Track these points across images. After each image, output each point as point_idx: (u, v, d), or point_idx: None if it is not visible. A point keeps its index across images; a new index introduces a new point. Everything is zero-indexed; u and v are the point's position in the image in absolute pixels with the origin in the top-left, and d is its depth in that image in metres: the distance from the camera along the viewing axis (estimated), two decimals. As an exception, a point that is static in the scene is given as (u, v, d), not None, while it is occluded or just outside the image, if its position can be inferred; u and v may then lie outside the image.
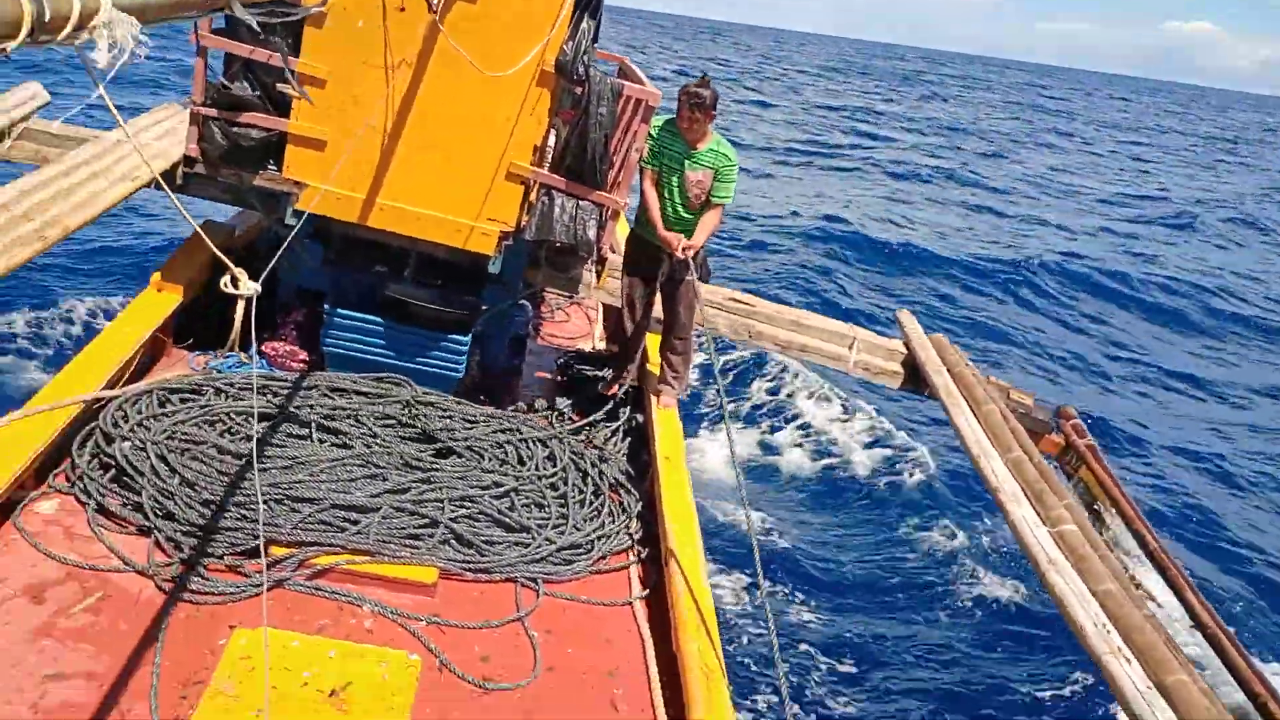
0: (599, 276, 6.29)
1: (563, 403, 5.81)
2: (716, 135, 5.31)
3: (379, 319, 5.28)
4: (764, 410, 10.53)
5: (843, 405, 10.79)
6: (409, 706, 3.43)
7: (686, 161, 5.25)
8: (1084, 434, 6.28)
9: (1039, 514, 4.86)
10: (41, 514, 3.97)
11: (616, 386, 5.87)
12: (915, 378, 6.55)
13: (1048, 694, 7.01)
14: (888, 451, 10.04)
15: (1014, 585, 8.13)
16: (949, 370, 6.39)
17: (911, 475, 9.64)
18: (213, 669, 3.38)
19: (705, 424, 9.81)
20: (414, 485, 4.47)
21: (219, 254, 3.02)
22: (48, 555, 3.73)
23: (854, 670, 6.89)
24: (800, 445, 9.97)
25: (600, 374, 6.27)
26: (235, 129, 5.00)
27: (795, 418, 10.44)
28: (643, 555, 4.72)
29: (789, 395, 10.81)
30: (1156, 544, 5.21)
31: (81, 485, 4.10)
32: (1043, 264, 18.62)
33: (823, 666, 6.88)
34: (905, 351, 6.66)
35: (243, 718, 3.19)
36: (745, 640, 6.93)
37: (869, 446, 10.06)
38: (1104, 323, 16.68)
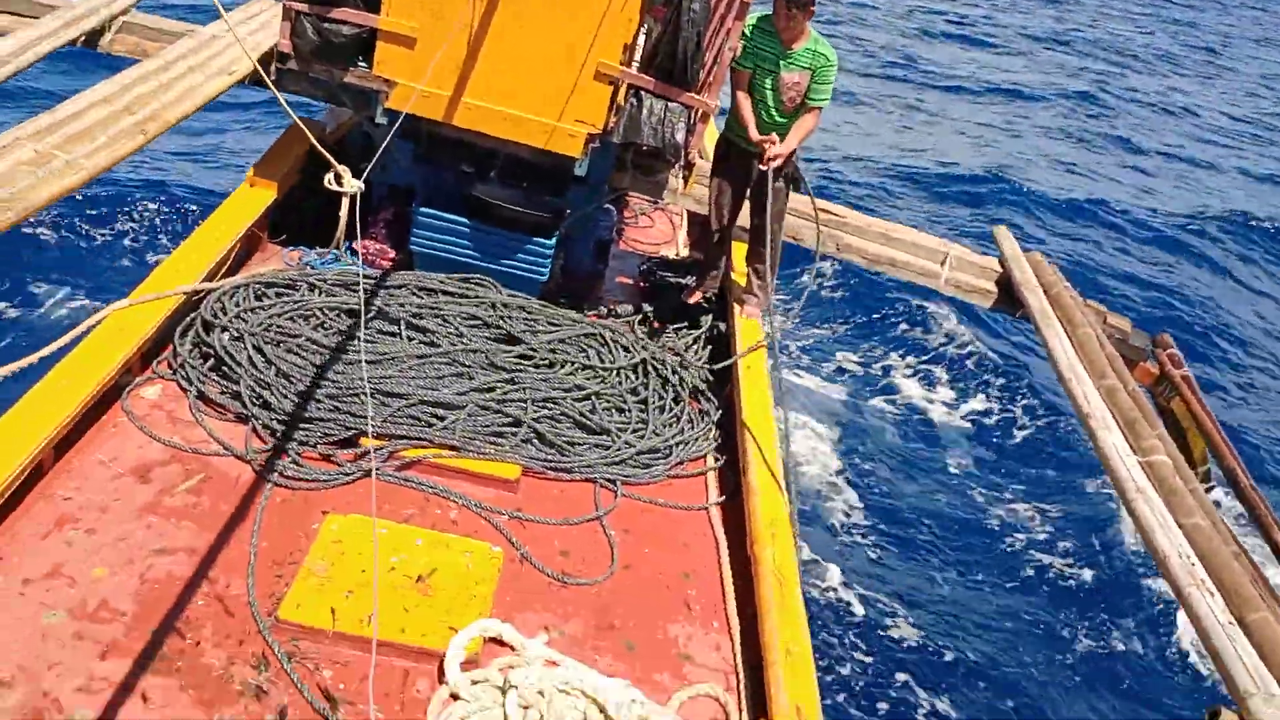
0: (686, 181, 6.19)
1: (645, 308, 5.80)
2: (814, 34, 5.10)
3: (465, 220, 5.31)
4: (856, 331, 10.33)
5: (939, 332, 10.50)
6: (491, 595, 3.56)
7: (782, 62, 5.06)
8: (1180, 364, 6.03)
9: (1129, 443, 4.71)
10: (146, 398, 4.17)
11: (700, 294, 5.83)
12: (1009, 297, 6.34)
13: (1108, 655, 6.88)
14: (978, 381, 9.79)
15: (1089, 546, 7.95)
16: (1045, 290, 6.16)
17: (997, 405, 9.42)
18: (306, 550, 3.55)
19: (796, 338, 9.71)
20: (499, 385, 4.55)
21: (322, 151, 3.04)
22: (153, 438, 3.93)
23: (917, 598, 6.90)
24: (892, 372, 9.78)
25: (683, 281, 6.23)
26: (326, 24, 4.99)
27: (888, 342, 10.23)
28: (720, 462, 4.75)
29: (881, 318, 10.58)
30: (1247, 480, 5.01)
31: (183, 372, 4.28)
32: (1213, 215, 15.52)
33: (887, 589, 6.90)
34: (1000, 270, 6.44)
35: (334, 596, 3.35)
36: (821, 554, 6.98)
37: (960, 377, 9.80)
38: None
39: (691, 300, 5.79)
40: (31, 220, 4.54)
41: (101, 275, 7.87)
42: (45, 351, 3.50)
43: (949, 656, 6.47)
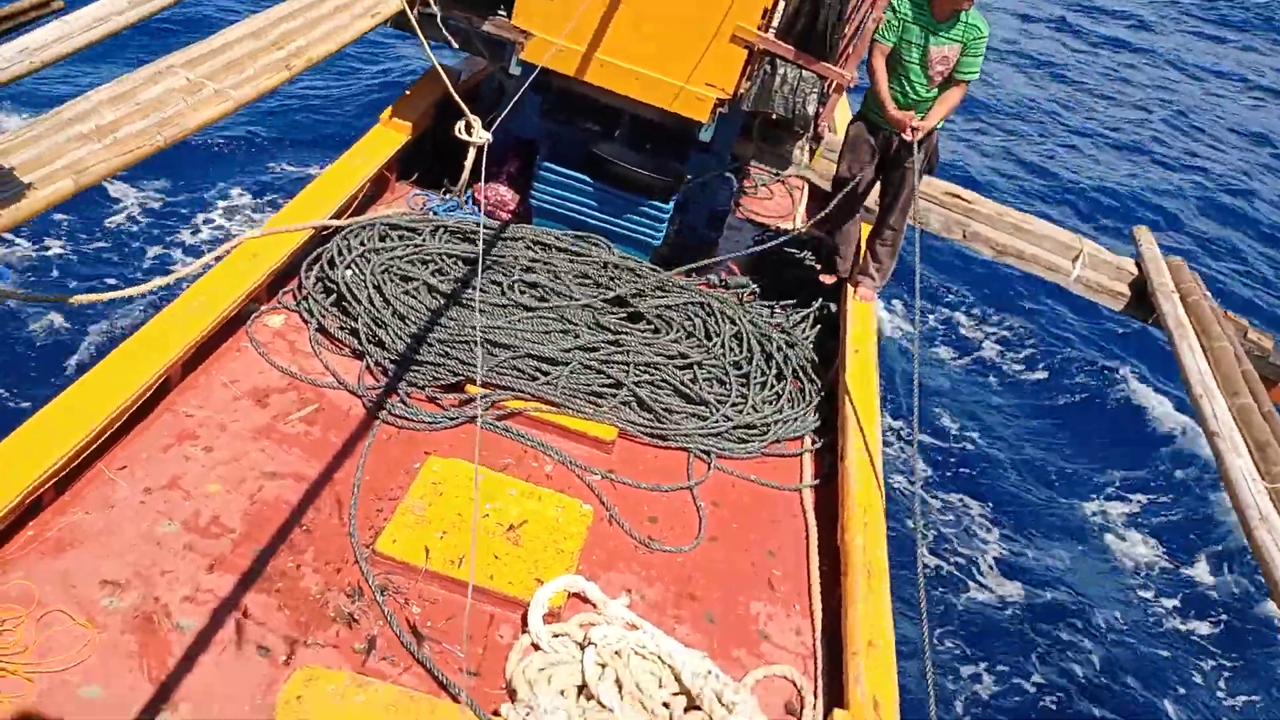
0: (812, 155, 6.06)
1: (755, 282, 5.73)
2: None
3: (586, 177, 5.33)
4: (974, 321, 10.00)
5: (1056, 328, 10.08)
6: (577, 551, 3.61)
7: (932, 36, 4.83)
8: None
9: (1259, 468, 4.43)
10: (270, 326, 4.35)
11: (833, 276, 5.67)
12: (1141, 302, 6.00)
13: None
14: (1097, 385, 9.36)
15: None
16: (1182, 297, 5.81)
17: (1118, 412, 8.99)
18: (406, 488, 3.67)
19: (906, 321, 9.46)
20: (603, 345, 4.58)
21: (458, 99, 3.08)
22: (272, 365, 4.11)
23: (1011, 604, 6.70)
24: (1002, 360, 9.45)
25: (799, 256, 6.12)
26: (469, -29, 5.03)
27: (1005, 333, 9.86)
28: (818, 445, 4.69)
29: (1001, 309, 10.20)
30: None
31: (306, 305, 4.45)
32: None
33: (982, 591, 6.73)
34: (1135, 272, 6.10)
35: (428, 535, 3.46)
36: (915, 548, 6.85)
37: (1076, 380, 9.39)
38: None
39: (827, 281, 5.66)
40: (180, 144, 4.75)
41: (239, 200, 8.22)
42: (183, 272, 3.69)
43: (1035, 664, 6.29)
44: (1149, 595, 7.13)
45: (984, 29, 4.85)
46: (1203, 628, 6.96)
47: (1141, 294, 6.01)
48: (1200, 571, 7.46)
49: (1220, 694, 6.51)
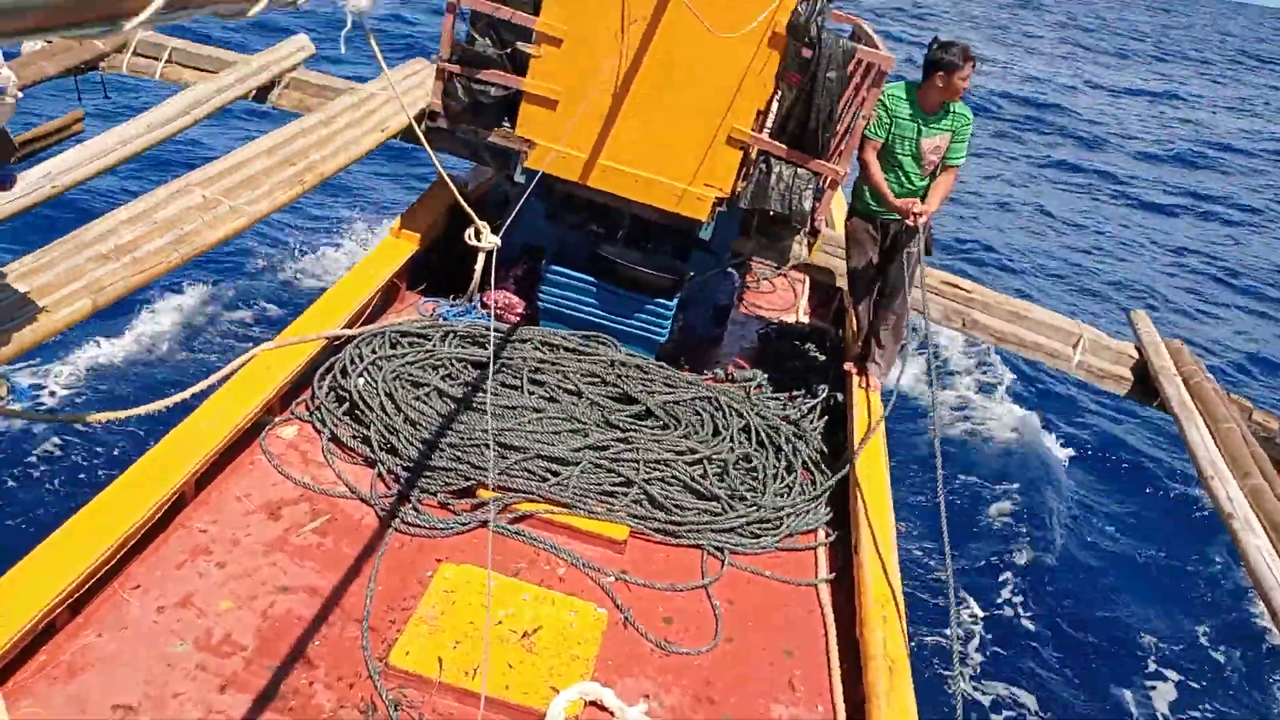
0: (810, 249, 6.18)
1: (761, 375, 5.78)
2: None
3: (591, 278, 5.43)
4: (974, 406, 10.00)
5: (1062, 415, 10.07)
6: (593, 657, 3.57)
7: (923, 128, 5.04)
8: None
9: (1276, 548, 4.39)
10: (284, 438, 4.39)
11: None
12: (1144, 386, 6.04)
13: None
14: (1110, 472, 9.30)
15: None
16: (1184, 380, 5.84)
17: (1129, 498, 8.91)
18: (419, 597, 3.65)
19: (911, 411, 9.46)
20: (613, 443, 4.60)
21: (466, 207, 3.17)
22: (285, 477, 4.13)
23: (1032, 701, 6.53)
24: (1013, 444, 9.41)
25: (803, 348, 6.18)
26: (476, 85, 5.23)
27: (1008, 416, 9.85)
28: (832, 537, 4.66)
29: (1002, 389, 10.22)
30: None
31: (319, 415, 4.49)
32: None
33: (1001, 686, 6.57)
34: (1136, 356, 6.15)
35: (441, 645, 3.43)
36: (936, 637, 6.71)
37: (1091, 465, 9.35)
38: None
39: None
40: (198, 261, 4.89)
41: (253, 314, 8.37)
42: (198, 388, 3.75)
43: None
44: (1173, 681, 6.93)
45: (969, 116, 5.10)
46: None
47: (1144, 378, 6.05)
48: (1222, 655, 7.27)
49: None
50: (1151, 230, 16.54)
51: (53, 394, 6.85)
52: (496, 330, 5.22)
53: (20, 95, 3.54)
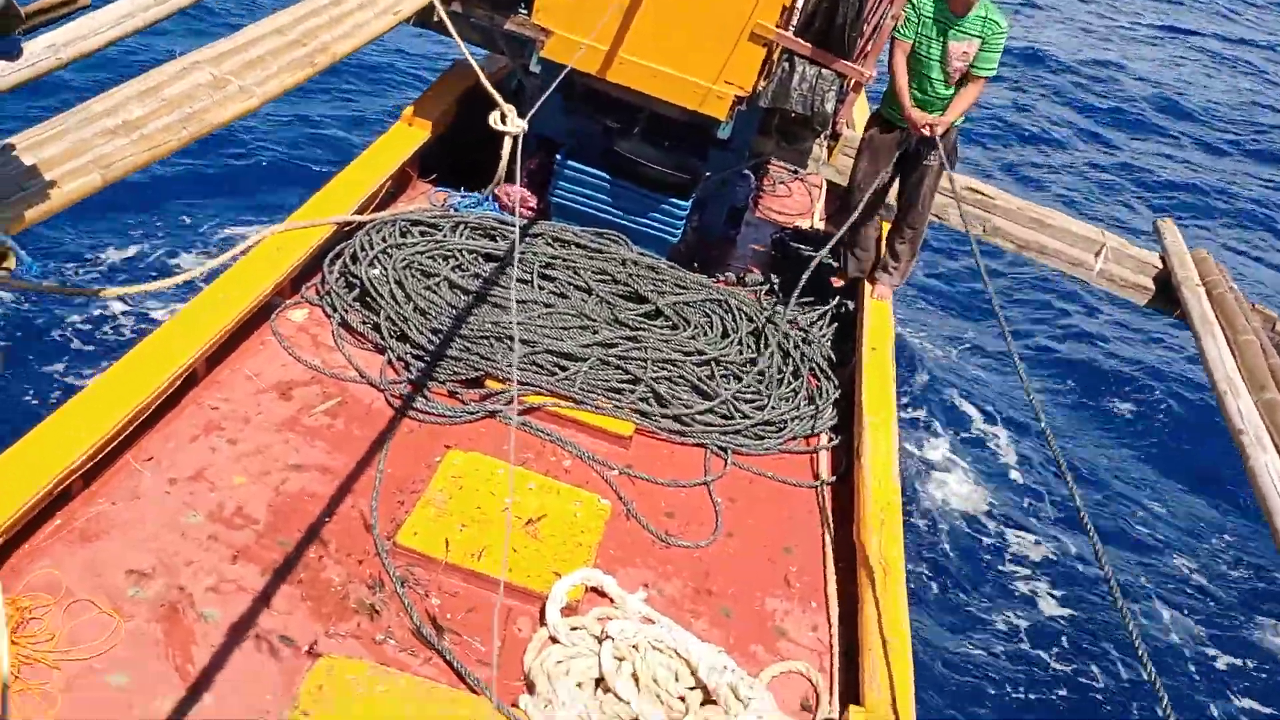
0: (830, 152, 6.05)
1: (773, 279, 5.74)
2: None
3: (605, 174, 5.35)
4: (982, 318, 9.95)
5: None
6: (595, 545, 3.65)
7: (951, 30, 4.83)
8: None
9: (1287, 466, 4.39)
10: (293, 320, 4.40)
11: (846, 278, 5.67)
12: (1165, 295, 5.94)
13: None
14: (1119, 383, 9.28)
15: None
16: (1207, 290, 5.73)
17: (1140, 409, 8.91)
18: (427, 481, 3.71)
19: (927, 318, 9.43)
20: (621, 341, 4.61)
21: (490, 89, 3.09)
22: (296, 359, 4.16)
23: (1022, 603, 6.68)
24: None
25: (815, 254, 6.11)
26: (491, -32, 5.06)
27: (1019, 333, 9.79)
28: (834, 442, 4.70)
29: (1015, 306, 10.14)
30: None
31: (329, 299, 4.49)
32: None
33: (993, 589, 6.71)
34: (1160, 266, 6.05)
35: (448, 527, 3.50)
36: (930, 545, 6.85)
37: (1098, 377, 9.32)
38: None
39: (838, 284, 5.66)
40: (206, 140, 4.81)
41: (263, 196, 8.29)
42: (207, 267, 3.74)
43: (1048, 663, 6.28)
44: (1180, 597, 7.08)
45: (1003, 24, 4.84)
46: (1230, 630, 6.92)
47: (1166, 288, 5.95)
48: (1226, 570, 7.41)
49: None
50: (1191, 139, 16.20)
51: (63, 267, 6.85)
52: (508, 224, 5.16)
53: (25, -39, 3.43)
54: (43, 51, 5.12)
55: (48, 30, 5.59)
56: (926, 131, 4.90)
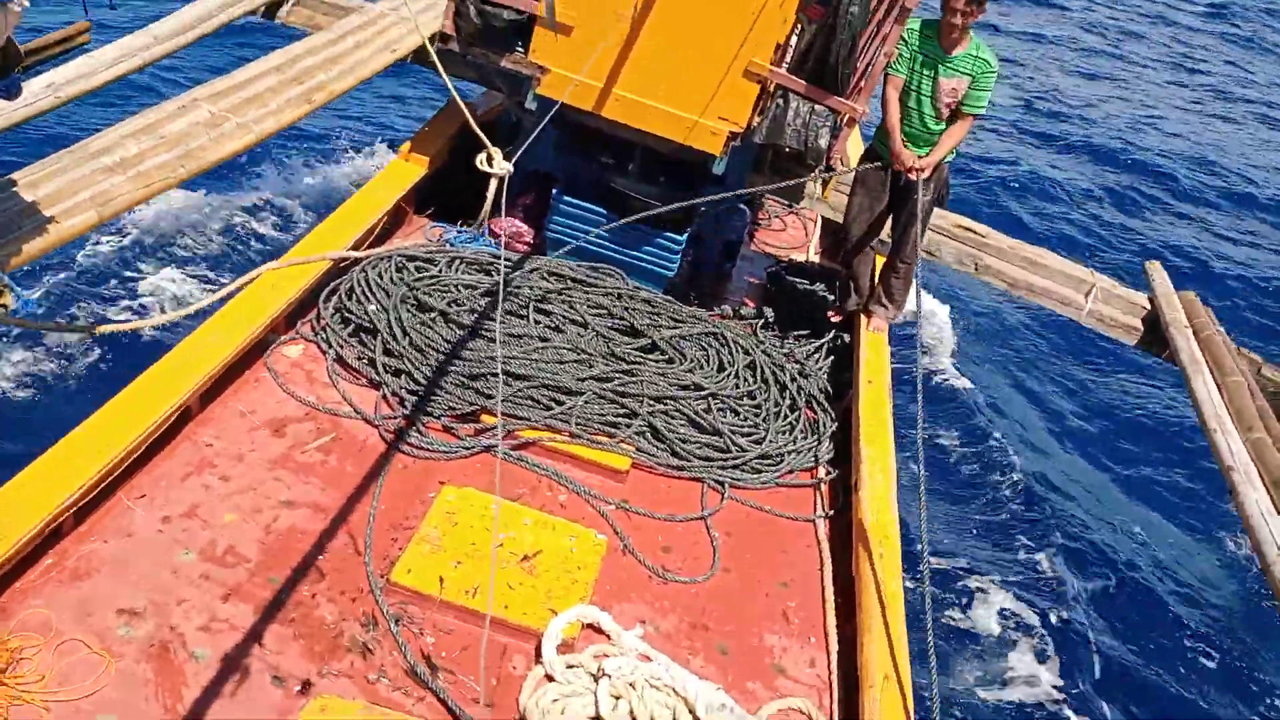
0: (824, 187, 6.11)
1: (769, 313, 5.75)
2: (976, 39, 4.93)
3: (601, 209, 5.38)
4: (979, 353, 9.98)
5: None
6: (591, 581, 3.61)
7: (941, 67, 4.91)
8: None
9: (1275, 503, 4.41)
10: (288, 357, 4.39)
11: (842, 314, 5.68)
12: (1154, 336, 6.02)
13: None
14: (1111, 421, 9.30)
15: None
16: (1195, 333, 5.82)
17: (1132, 447, 8.92)
18: (421, 518, 3.68)
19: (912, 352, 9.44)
20: (617, 375, 4.60)
21: (479, 132, 3.12)
22: (290, 395, 4.14)
23: (1025, 638, 6.63)
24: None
25: (811, 287, 6.14)
26: (488, 8, 5.12)
27: (1014, 369, 9.81)
28: (832, 475, 4.68)
29: (1008, 342, 10.17)
30: None
31: (324, 335, 4.49)
32: None
33: (994, 622, 6.67)
34: (1148, 307, 6.12)
35: (442, 564, 3.47)
36: (929, 578, 6.79)
37: (1092, 415, 9.34)
38: None
39: (835, 319, 5.68)
40: (204, 177, 4.85)
41: (260, 233, 8.32)
42: (203, 303, 3.74)
43: (1053, 696, 6.22)
44: (1171, 627, 7.03)
45: (993, 63, 4.92)
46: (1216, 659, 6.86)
47: (1155, 329, 6.03)
48: (1216, 596, 7.37)
49: None
50: (1176, 183, 16.38)
51: (58, 305, 6.85)
52: (505, 258, 5.18)
53: (27, 4, 3.47)
54: (42, 90, 5.18)
55: (47, 69, 5.64)
56: (912, 175, 4.96)
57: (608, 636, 3.43)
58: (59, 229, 4.02)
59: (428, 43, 3.46)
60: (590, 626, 3.45)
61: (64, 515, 3.13)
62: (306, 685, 3.01)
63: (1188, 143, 18.46)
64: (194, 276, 7.55)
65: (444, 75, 3.89)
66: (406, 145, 5.75)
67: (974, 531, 7.41)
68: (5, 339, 6.42)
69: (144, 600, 3.11)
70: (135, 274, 7.44)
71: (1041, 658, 6.49)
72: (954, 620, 6.59)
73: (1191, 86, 21.70)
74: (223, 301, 4.14)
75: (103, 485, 3.29)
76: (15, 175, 4.18)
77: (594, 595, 3.59)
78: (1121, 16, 24.21)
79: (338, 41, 5.96)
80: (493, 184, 3.70)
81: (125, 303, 7.10)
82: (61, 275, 7.15)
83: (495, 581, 3.46)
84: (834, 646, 3.75)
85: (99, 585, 3.11)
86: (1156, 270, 6.51)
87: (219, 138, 4.94)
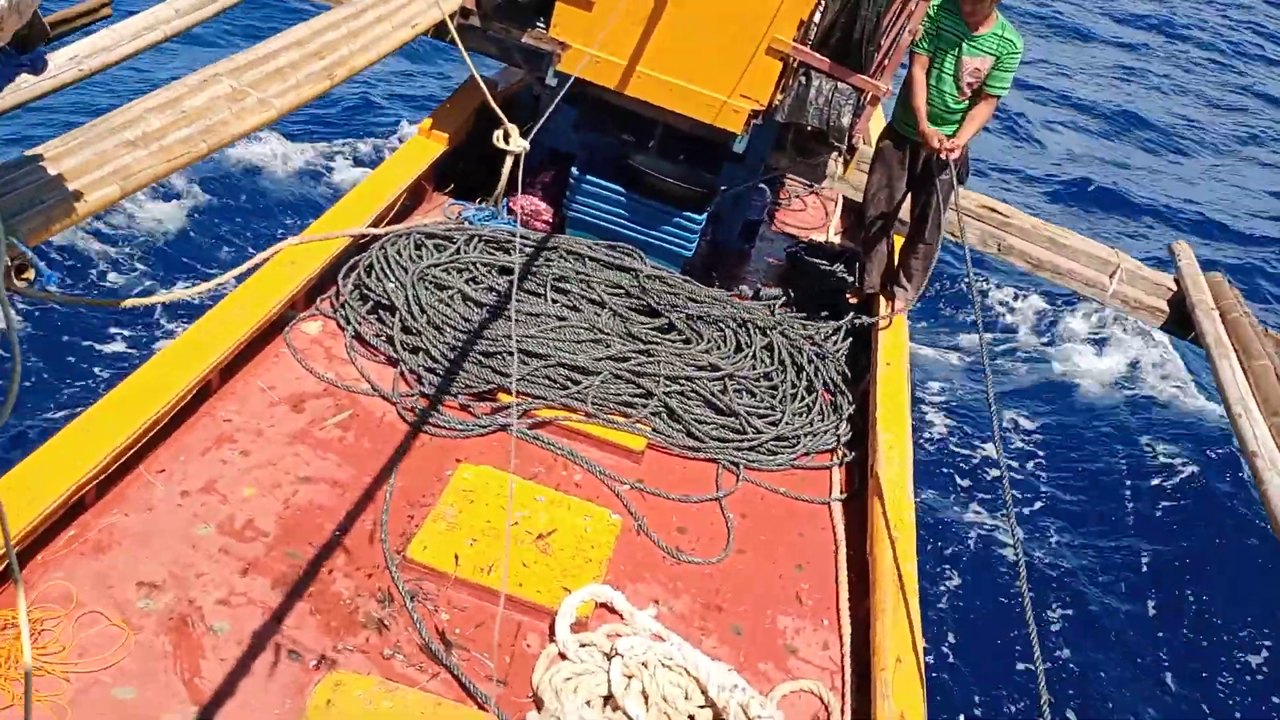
0: (846, 166, 6.04)
1: (788, 293, 5.72)
2: (1001, 18, 4.85)
3: (620, 188, 5.35)
4: (1015, 339, 9.88)
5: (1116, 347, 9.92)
6: (605, 560, 3.63)
7: (965, 45, 4.84)
8: None
9: (1301, 488, 4.35)
10: (307, 333, 4.42)
11: (861, 294, 5.64)
12: (1180, 318, 5.93)
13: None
14: (1138, 402, 9.21)
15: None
16: (1222, 315, 5.72)
17: (1157, 431, 8.83)
18: (438, 495, 3.71)
19: (941, 334, 9.37)
20: (634, 355, 4.60)
21: (496, 108, 3.10)
22: (309, 371, 4.17)
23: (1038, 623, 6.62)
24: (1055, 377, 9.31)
25: (831, 269, 6.10)
26: (509, -17, 5.08)
27: (1037, 347, 9.73)
28: (848, 458, 4.67)
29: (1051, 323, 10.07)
30: None
31: (343, 312, 4.50)
32: None
33: (1009, 606, 6.65)
34: (1174, 288, 6.02)
35: (458, 542, 3.50)
36: (944, 563, 6.79)
37: (1118, 397, 9.25)
38: None
39: (854, 300, 5.64)
40: (223, 152, 4.85)
41: (280, 209, 8.35)
42: (224, 278, 3.77)
43: (1067, 682, 6.21)
44: (1189, 618, 7.00)
45: (1018, 44, 4.84)
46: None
47: (1181, 311, 5.93)
48: (1242, 605, 7.31)
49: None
50: (1208, 161, 16.11)
51: (81, 279, 6.92)
52: (523, 237, 5.17)
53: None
54: (66, 64, 5.18)
55: (70, 42, 5.66)
56: (942, 154, 4.89)
57: (621, 616, 3.45)
58: (81, 205, 4.02)
59: (448, 19, 3.44)
60: (604, 606, 3.47)
61: (86, 488, 3.17)
62: (323, 660, 3.05)
63: (1219, 118, 18.13)
64: (213, 252, 7.59)
65: (463, 50, 3.86)
66: (427, 121, 5.73)
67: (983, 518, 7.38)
68: (29, 314, 6.49)
69: (163, 573, 3.15)
70: (155, 248, 7.49)
71: (1059, 642, 6.48)
72: (973, 602, 6.59)
73: (1226, 62, 21.29)
74: (243, 277, 4.16)
75: (124, 459, 3.32)
76: (36, 151, 4.20)
77: (608, 575, 3.60)
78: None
79: (359, 15, 5.91)
80: (508, 161, 3.68)
81: (146, 277, 7.15)
82: (84, 248, 7.22)
83: (510, 560, 3.48)
84: (847, 629, 3.75)
85: (119, 558, 3.15)
86: (1184, 250, 6.40)
87: (240, 112, 4.92)
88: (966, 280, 5.11)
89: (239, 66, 5.27)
